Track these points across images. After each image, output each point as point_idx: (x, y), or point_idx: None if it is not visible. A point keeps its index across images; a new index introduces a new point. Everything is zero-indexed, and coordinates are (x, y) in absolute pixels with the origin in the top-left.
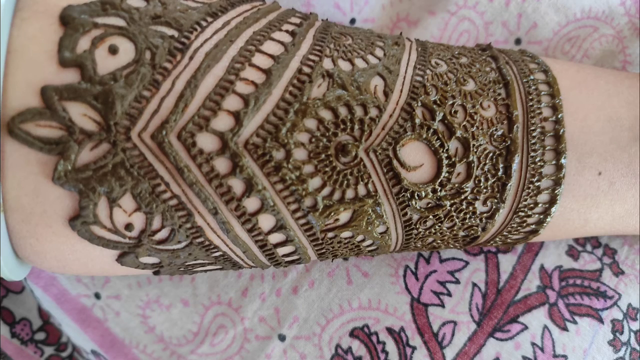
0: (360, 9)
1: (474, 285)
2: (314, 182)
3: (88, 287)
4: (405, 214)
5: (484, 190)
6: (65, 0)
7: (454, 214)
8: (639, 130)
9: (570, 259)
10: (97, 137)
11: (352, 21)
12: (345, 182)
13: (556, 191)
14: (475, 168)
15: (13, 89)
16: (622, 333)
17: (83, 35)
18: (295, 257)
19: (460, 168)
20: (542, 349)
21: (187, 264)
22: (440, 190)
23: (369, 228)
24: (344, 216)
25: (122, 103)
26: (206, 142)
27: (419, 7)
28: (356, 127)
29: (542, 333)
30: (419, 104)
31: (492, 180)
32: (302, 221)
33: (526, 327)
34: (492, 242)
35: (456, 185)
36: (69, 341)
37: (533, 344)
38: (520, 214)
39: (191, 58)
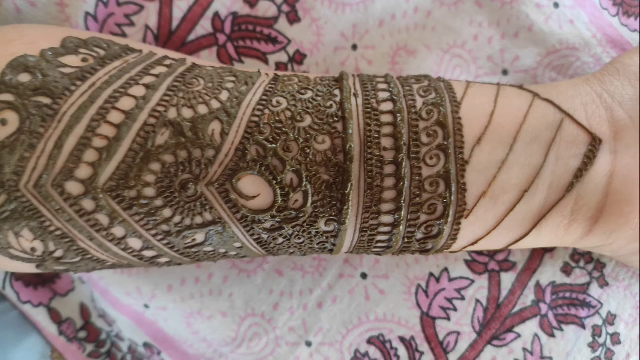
0: (361, 36)
1: (477, 301)
2: (165, 213)
3: (137, 300)
4: (253, 234)
5: (324, 214)
6: None
7: (299, 233)
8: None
9: (563, 275)
10: None
11: (354, 47)
12: (192, 212)
13: (396, 215)
14: (311, 195)
15: None
16: (600, 336)
17: None
18: (173, 264)
19: (297, 196)
20: (531, 353)
21: (89, 268)
22: (279, 216)
23: (226, 245)
24: (200, 237)
25: (10, 164)
26: (73, 188)
27: (416, 39)
28: (194, 167)
29: (532, 340)
30: (252, 142)
31: (330, 205)
32: (164, 242)
33: (519, 336)
34: (354, 252)
35: (294, 210)
36: (107, 338)
37: (524, 349)
38: (366, 233)
39: (59, 121)
